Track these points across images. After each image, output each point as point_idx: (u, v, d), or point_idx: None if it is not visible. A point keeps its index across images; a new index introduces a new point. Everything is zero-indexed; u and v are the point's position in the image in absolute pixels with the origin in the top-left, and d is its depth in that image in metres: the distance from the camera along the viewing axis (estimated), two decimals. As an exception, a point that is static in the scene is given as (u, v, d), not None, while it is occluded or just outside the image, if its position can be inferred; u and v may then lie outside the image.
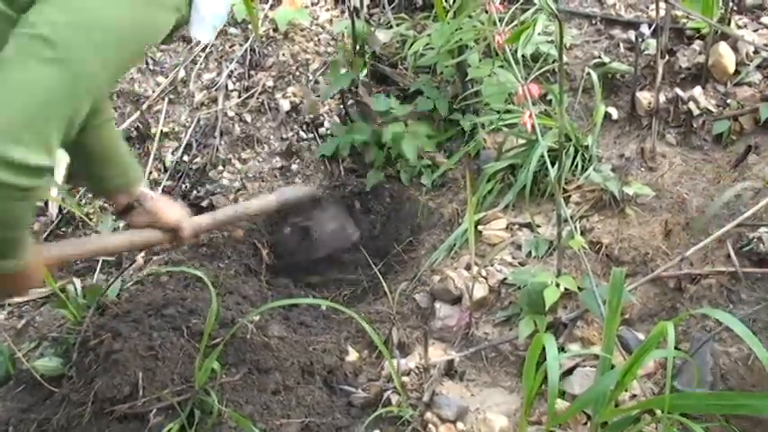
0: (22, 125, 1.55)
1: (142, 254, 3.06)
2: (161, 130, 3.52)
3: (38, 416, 2.29)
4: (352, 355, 2.55)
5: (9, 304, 2.89)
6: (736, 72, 3.16)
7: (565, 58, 3.38)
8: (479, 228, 2.89)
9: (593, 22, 3.59)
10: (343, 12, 3.89)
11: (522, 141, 3.05)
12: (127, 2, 1.63)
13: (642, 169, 2.99)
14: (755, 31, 3.29)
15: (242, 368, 2.33)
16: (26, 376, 2.43)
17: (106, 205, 3.23)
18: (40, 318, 2.79)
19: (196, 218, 2.49)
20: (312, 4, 3.94)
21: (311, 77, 3.63)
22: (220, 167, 3.35)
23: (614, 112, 3.25)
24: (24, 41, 1.56)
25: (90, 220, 3.14)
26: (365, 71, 3.27)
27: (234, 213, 2.66)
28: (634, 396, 2.21)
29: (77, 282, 2.72)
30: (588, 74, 3.22)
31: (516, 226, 2.91)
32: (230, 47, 3.78)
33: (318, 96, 3.45)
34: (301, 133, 3.45)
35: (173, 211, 2.36)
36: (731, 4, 3.25)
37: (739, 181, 2.78)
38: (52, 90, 1.57)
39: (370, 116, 3.26)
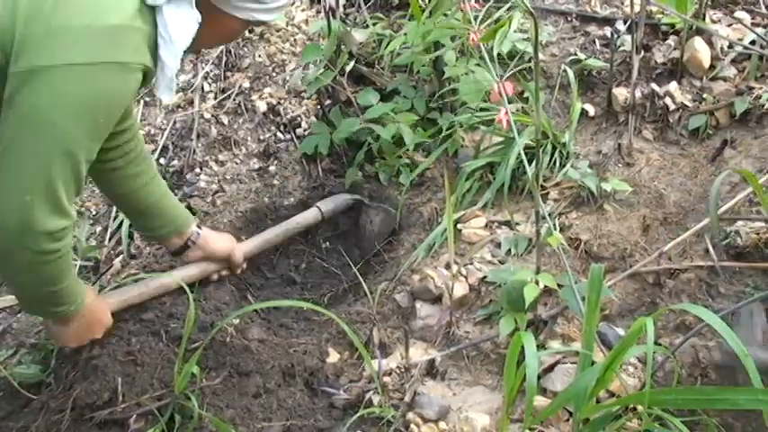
0: (32, 201, 1.79)
1: (119, 258, 3.04)
2: (137, 133, 3.50)
3: (16, 424, 2.27)
4: (333, 357, 2.55)
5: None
6: (712, 67, 3.17)
7: (541, 56, 3.39)
8: (459, 226, 2.89)
9: (569, 19, 3.60)
10: (318, 12, 3.88)
11: (499, 139, 3.05)
12: (105, 77, 1.78)
13: (619, 165, 3.00)
14: (729, 25, 3.30)
15: (222, 372, 2.32)
16: (4, 384, 2.40)
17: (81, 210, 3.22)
18: (18, 324, 2.77)
19: (244, 243, 2.79)
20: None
21: (287, 78, 3.62)
22: (197, 170, 3.33)
23: (591, 109, 3.25)
24: (14, 125, 1.77)
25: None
26: (349, 67, 3.27)
27: (280, 232, 2.92)
28: (612, 395, 2.21)
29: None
30: (564, 71, 3.22)
31: (495, 224, 2.91)
32: (206, 48, 3.76)
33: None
34: (279, 134, 3.44)
35: (222, 242, 2.66)
36: (705, -1, 3.27)
37: (716, 175, 2.80)
38: (47, 165, 1.79)
39: (351, 113, 3.27)
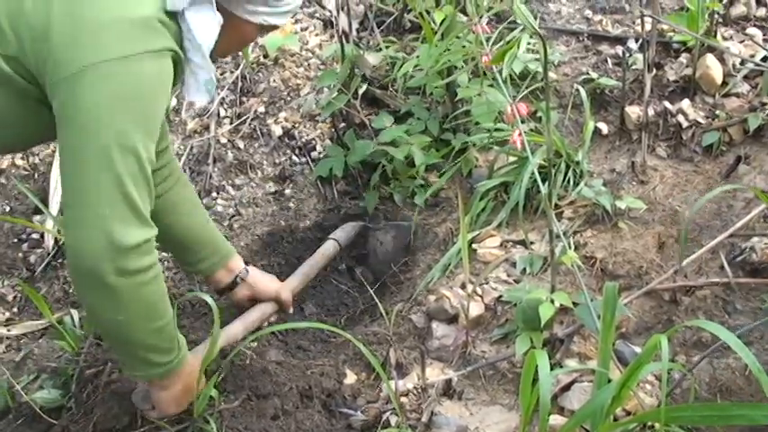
0: (109, 213, 1.71)
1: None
2: (155, 159, 3.53)
3: (38, 449, 2.29)
4: (351, 378, 2.55)
5: (8, 337, 2.89)
6: (724, 83, 3.18)
7: (553, 76, 3.41)
8: (474, 246, 2.90)
9: (581, 38, 3.62)
10: (332, 36, 3.91)
11: (513, 159, 3.07)
12: (140, 66, 1.76)
13: (633, 183, 3.01)
14: (741, 42, 3.31)
15: (240, 394, 2.33)
16: (25, 409, 2.42)
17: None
18: (39, 350, 2.78)
19: (287, 281, 2.77)
20: (301, 30, 3.96)
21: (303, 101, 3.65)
22: (214, 194, 3.36)
23: (604, 127, 3.26)
24: (65, 136, 1.75)
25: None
26: (362, 90, 3.30)
27: (314, 265, 2.95)
28: (629, 414, 2.20)
29: (75, 313, 2.72)
30: (577, 90, 3.23)
31: (510, 243, 2.91)
32: (221, 74, 3.79)
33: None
34: (294, 158, 3.47)
35: (269, 281, 2.65)
36: (716, 16, 3.27)
37: (730, 192, 2.80)
38: (109, 165, 1.71)
39: (365, 136, 3.30)
